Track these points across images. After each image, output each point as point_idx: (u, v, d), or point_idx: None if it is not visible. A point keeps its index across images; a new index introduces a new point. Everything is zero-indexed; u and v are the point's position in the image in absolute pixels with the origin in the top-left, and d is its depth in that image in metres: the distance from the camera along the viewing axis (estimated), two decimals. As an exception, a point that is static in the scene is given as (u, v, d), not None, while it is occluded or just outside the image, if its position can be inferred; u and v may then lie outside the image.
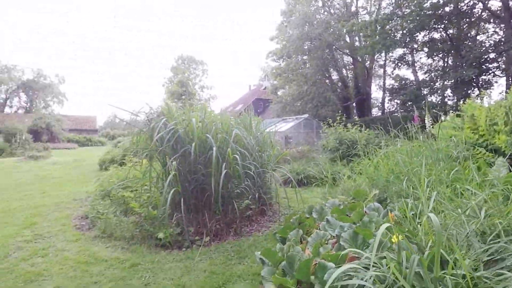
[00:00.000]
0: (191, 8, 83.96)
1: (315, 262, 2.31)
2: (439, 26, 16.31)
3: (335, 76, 24.73)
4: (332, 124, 10.32)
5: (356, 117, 19.05)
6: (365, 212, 3.37)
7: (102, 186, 5.64)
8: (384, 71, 26.21)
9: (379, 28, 15.77)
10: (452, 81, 14.12)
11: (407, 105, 18.07)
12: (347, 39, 21.60)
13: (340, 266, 1.67)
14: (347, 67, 25.37)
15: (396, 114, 21.83)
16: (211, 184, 3.63)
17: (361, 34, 20.51)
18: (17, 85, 38.25)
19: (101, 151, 13.95)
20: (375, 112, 26.26)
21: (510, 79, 14.64)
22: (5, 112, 36.81)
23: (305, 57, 21.69)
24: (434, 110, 18.24)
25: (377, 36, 15.49)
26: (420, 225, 2.20)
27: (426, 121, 6.71)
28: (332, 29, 19.19)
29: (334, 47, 19.51)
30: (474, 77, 14.14)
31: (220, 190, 3.73)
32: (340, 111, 21.41)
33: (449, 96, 17.59)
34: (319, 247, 2.55)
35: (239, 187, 4.43)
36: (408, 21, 14.91)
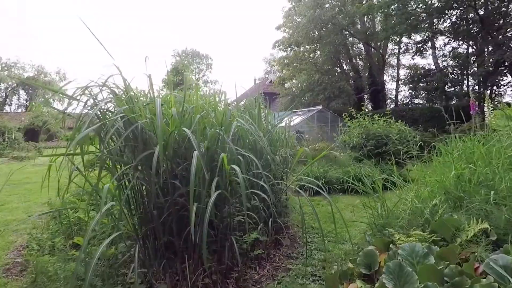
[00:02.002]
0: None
1: None
2: (469, 4, 14.32)
3: (346, 66, 22.88)
4: (355, 115, 8.63)
5: (370, 109, 17.29)
6: (479, 273, 1.75)
7: (53, 202, 4.13)
8: (398, 60, 24.25)
9: (401, 7, 13.88)
10: (488, 65, 12.18)
11: (432, 94, 16.21)
12: (361, 24, 19.67)
13: None
14: (360, 55, 23.47)
15: (416, 105, 19.93)
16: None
17: (378, 17, 18.60)
18: (16, 83, 37.24)
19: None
20: (388, 104, 24.33)
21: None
22: (4, 111, 35.88)
23: (315, 45, 19.87)
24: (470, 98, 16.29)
25: (401, 16, 13.60)
26: None
27: (486, 110, 5.04)
28: (346, 12, 17.31)
29: (347, 32, 17.63)
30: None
31: (210, 220, 2.14)
32: (354, 103, 19.80)
33: (476, 84, 15.67)
34: None
35: (241, 212, 2.83)
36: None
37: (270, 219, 3.11)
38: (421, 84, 17.63)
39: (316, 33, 19.77)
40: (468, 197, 2.71)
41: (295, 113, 14.90)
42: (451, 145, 4.12)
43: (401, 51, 23.81)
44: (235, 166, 2.18)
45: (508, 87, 15.08)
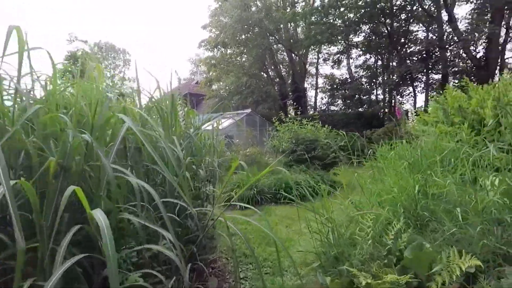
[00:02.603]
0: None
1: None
2: (379, 20, 16.00)
3: (271, 72, 23.30)
4: (284, 119, 8.29)
5: (293, 115, 17.84)
6: None
7: None
8: (317, 69, 26.11)
9: (323, 17, 14.57)
10: (395, 76, 13.69)
11: (348, 102, 17.57)
12: (285, 32, 20.23)
13: None
14: (284, 62, 24.26)
15: (332, 111, 21.46)
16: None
17: (301, 25, 19.37)
18: None
19: None
20: (308, 110, 25.91)
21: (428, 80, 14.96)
22: None
23: (242, 48, 19.54)
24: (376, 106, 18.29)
25: (322, 26, 14.23)
26: None
27: (409, 116, 4.96)
28: (272, 17, 17.44)
29: (273, 38, 17.80)
30: (411, 75, 14.03)
31: None
32: (280, 108, 20.26)
33: (385, 93, 17.72)
34: None
35: (141, 253, 1.81)
36: (352, 11, 14.04)
37: (189, 264, 2.15)
38: (337, 93, 18.99)
39: (243, 35, 19.51)
40: (430, 216, 2.29)
41: (224, 116, 14.13)
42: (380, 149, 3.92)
43: (320, 61, 25.71)
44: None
45: (410, 97, 17.44)
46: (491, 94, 5.61)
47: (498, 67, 14.10)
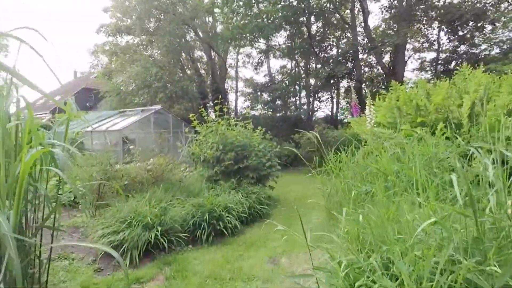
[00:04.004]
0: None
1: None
2: (298, 24, 15.47)
3: (189, 70, 20.76)
4: (207, 117, 6.17)
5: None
6: None
7: None
8: (237, 71, 24.90)
9: (246, 8, 13.04)
10: (319, 79, 13.12)
11: (271, 105, 16.53)
12: (203, 23, 18.06)
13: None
14: (202, 59, 22.04)
15: (253, 115, 20.35)
16: None
17: (221, 18, 17.54)
18: None
19: None
20: (230, 113, 24.38)
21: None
22: None
23: (151, 37, 16.44)
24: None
25: (248, 17, 12.65)
26: None
27: (367, 111, 4.05)
28: (190, 4, 15.06)
29: (187, 27, 15.38)
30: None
31: None
32: (198, 109, 17.75)
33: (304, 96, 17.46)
34: None
35: None
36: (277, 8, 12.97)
37: None
38: (260, 96, 17.89)
39: (153, 23, 16.49)
40: None
41: (124, 113, 10.97)
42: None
43: (239, 63, 24.53)
44: None
45: (327, 102, 17.54)
46: (466, 89, 4.79)
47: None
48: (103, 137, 9.10)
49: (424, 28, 15.72)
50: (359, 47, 14.18)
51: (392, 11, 14.06)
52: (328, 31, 16.49)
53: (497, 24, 12.88)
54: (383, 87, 16.93)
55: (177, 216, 3.76)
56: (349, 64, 14.84)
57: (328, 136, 9.60)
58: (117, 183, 4.49)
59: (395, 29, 14.28)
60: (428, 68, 16.54)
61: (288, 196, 6.80)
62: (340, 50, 16.11)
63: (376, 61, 16.33)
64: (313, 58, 17.57)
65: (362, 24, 15.17)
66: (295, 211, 5.47)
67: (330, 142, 9.85)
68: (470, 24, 13.57)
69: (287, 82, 16.24)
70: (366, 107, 4.35)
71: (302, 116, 14.74)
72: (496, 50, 13.59)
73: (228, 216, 4.06)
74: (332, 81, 12.84)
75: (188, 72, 20.36)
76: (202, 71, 21.60)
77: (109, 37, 17.07)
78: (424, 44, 16.03)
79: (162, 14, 15.73)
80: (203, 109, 6.17)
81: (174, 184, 4.63)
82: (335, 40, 17.05)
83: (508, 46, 12.91)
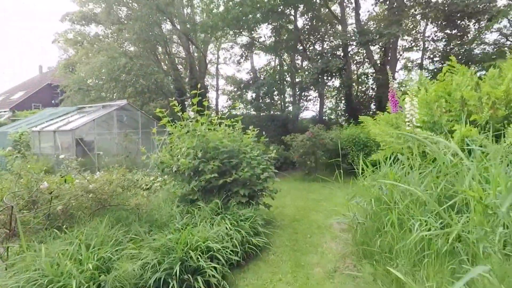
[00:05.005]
0: None
1: None
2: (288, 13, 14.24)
3: (165, 64, 18.94)
4: (182, 113, 4.68)
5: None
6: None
7: None
8: (217, 68, 23.38)
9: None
10: (308, 76, 11.82)
11: (255, 104, 15.15)
12: (179, 14, 16.36)
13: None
14: (179, 52, 20.30)
15: (235, 114, 18.91)
16: None
17: (201, 7, 15.97)
18: None
19: None
20: (211, 112, 22.81)
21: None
22: None
23: (121, 25, 14.57)
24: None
25: (229, 3, 11.18)
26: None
27: (408, 106, 3.05)
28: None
29: (162, 14, 13.65)
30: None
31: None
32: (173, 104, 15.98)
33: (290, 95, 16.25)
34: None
35: None
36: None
37: None
38: (244, 94, 16.48)
39: (124, 11, 14.65)
40: None
41: (82, 110, 9.14)
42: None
43: (220, 60, 22.97)
44: None
45: (314, 102, 16.44)
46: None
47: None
48: (52, 138, 7.32)
49: (416, 25, 15.03)
50: (350, 41, 13.13)
51: (387, 3, 13.15)
52: (317, 25, 15.35)
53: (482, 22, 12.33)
54: (373, 87, 16.14)
55: (127, 273, 2.28)
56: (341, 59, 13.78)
57: (324, 138, 8.36)
58: (41, 210, 2.95)
59: (388, 23, 13.40)
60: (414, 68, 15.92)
61: (286, 211, 5.46)
62: (331, 44, 15.01)
63: (367, 58, 15.46)
64: (299, 54, 16.41)
65: (353, 17, 14.19)
66: (300, 237, 4.13)
67: (327, 145, 8.64)
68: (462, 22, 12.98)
69: (272, 79, 14.89)
70: (406, 100, 3.10)
71: (291, 116, 13.46)
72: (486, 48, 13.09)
73: (211, 265, 2.63)
74: (324, 77, 11.64)
75: (164, 67, 18.59)
76: (180, 66, 19.88)
77: (74, 25, 14.99)
78: (416, 41, 15.32)
79: (134, 3, 13.98)
80: (175, 104, 4.65)
81: (130, 212, 3.12)
82: (324, 35, 15.95)
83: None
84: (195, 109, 4.75)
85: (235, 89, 19.91)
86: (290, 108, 15.47)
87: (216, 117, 4.93)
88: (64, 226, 2.94)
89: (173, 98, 13.91)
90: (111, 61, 11.27)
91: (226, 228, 3.23)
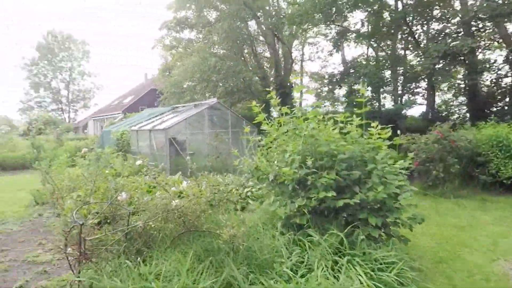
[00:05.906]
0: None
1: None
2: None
3: (251, 61, 18.78)
4: (280, 109, 3.69)
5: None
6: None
7: None
8: (302, 65, 22.17)
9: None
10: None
11: (353, 95, 13.32)
12: (264, 11, 15.77)
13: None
14: (265, 49, 19.89)
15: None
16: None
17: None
18: None
19: None
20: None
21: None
22: None
23: (211, 27, 14.89)
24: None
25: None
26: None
27: None
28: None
29: (248, 9, 13.17)
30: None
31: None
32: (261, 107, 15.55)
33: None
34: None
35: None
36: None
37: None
38: (339, 87, 14.80)
39: (214, 14, 14.93)
40: None
41: (176, 110, 9.29)
42: None
43: (305, 56, 21.71)
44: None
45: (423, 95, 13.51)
46: None
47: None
48: (148, 137, 7.45)
49: None
50: (480, 14, 10.06)
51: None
52: (427, 1, 12.50)
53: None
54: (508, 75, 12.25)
55: None
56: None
57: (457, 140, 6.29)
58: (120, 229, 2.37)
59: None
60: None
61: (420, 243, 3.89)
62: (447, 25, 11.99)
63: (500, 37, 11.83)
64: (404, 40, 13.76)
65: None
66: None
67: (461, 149, 6.50)
68: None
69: (374, 69, 12.71)
70: None
71: (402, 111, 11.18)
72: None
73: None
74: (448, 60, 9.08)
75: (250, 68, 18.50)
76: (266, 61, 19.52)
77: (170, 31, 16.11)
78: None
79: (222, 4, 14.08)
80: (272, 95, 3.70)
81: (222, 242, 2.27)
82: (437, 14, 12.91)
83: None
84: (280, 110, 3.70)
85: (321, 87, 18.42)
86: (387, 104, 13.08)
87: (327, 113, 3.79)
88: (144, 252, 2.28)
89: (262, 98, 13.41)
90: (202, 61, 11.39)
91: (361, 282, 2.06)
